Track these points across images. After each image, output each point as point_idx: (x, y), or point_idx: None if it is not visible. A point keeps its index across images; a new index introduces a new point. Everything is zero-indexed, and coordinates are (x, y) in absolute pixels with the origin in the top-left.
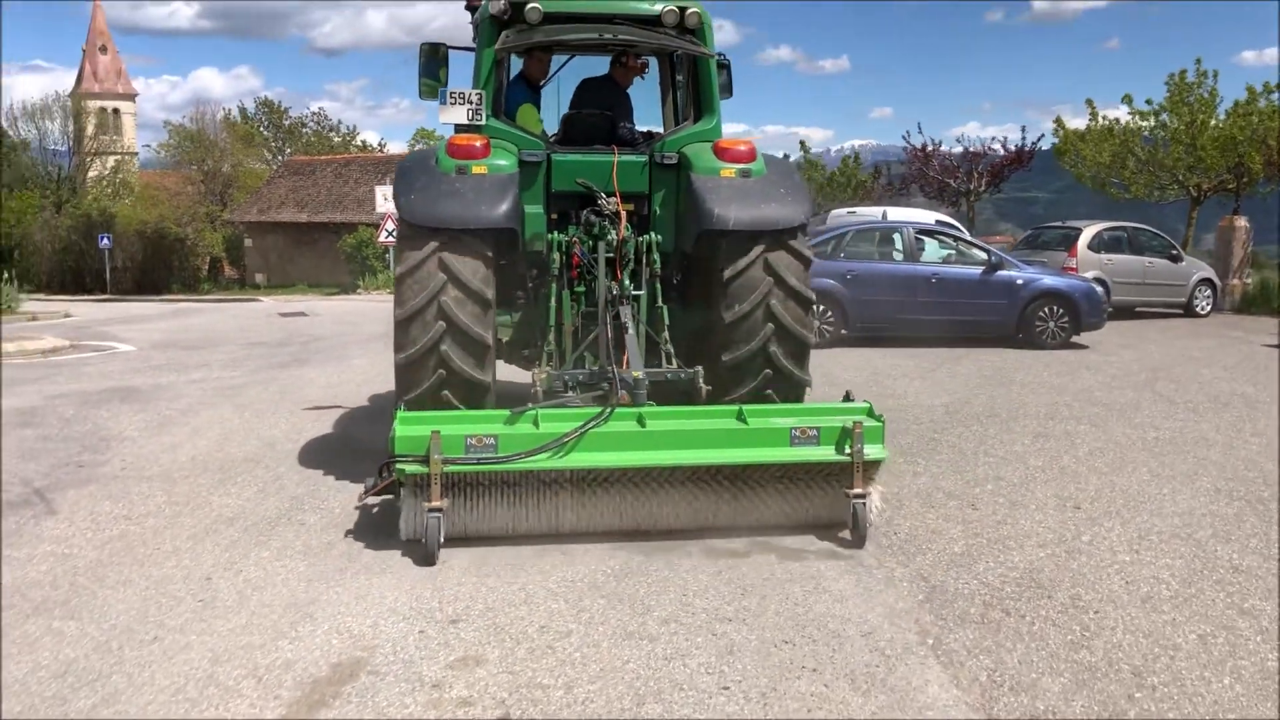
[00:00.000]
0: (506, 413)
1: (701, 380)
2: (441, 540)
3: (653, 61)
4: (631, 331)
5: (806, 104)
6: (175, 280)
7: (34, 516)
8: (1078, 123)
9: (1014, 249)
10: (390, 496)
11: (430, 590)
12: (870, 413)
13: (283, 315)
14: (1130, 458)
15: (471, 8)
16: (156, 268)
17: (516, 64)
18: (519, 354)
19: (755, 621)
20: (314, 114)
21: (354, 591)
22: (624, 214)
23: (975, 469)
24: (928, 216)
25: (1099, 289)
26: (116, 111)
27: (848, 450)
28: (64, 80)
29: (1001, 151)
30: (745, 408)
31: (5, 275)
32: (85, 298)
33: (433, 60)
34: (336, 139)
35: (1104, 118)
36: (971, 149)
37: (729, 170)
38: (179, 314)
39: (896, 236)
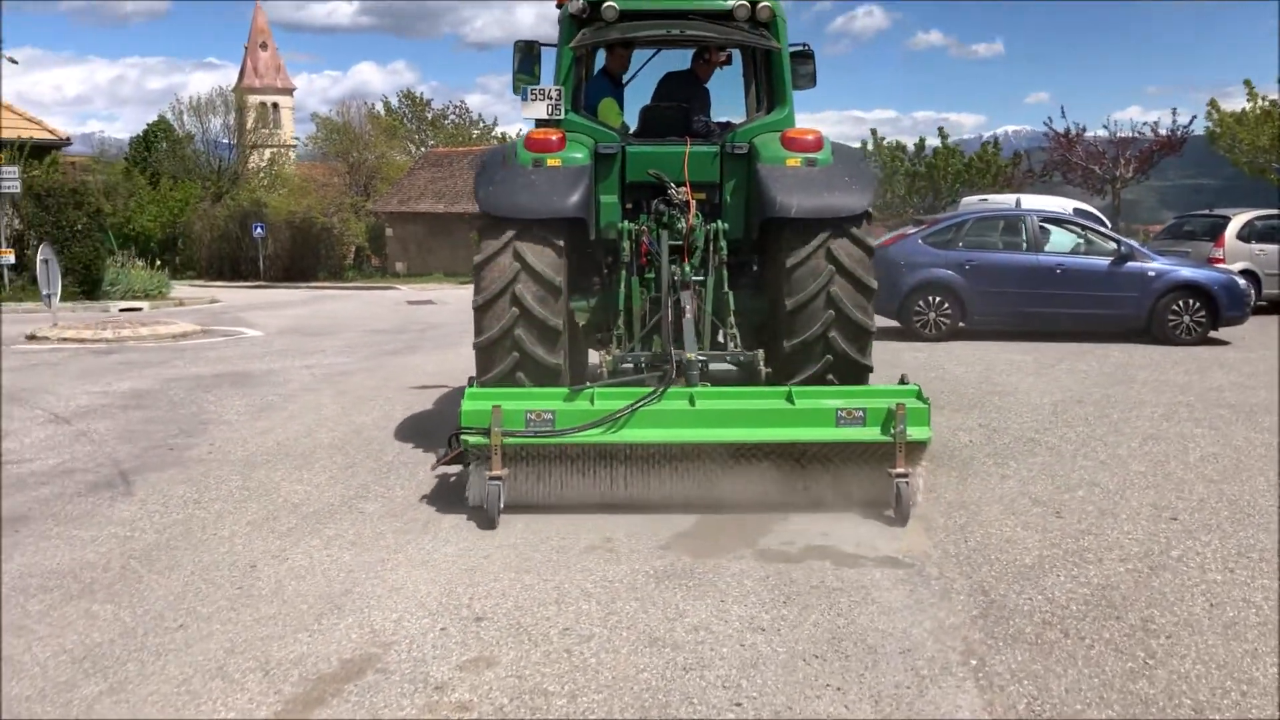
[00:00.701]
0: (566, 390)
1: (762, 363)
2: (502, 506)
3: (738, 55)
4: (689, 315)
5: (958, 89)
6: (322, 268)
7: (111, 498)
8: (1237, 105)
9: (1155, 239)
10: (460, 467)
11: (465, 586)
12: (919, 395)
13: (410, 303)
14: (1246, 465)
15: (560, 5)
16: (305, 256)
17: (601, 61)
18: (594, 337)
19: (790, 633)
20: (455, 106)
21: (390, 584)
22: (693, 203)
23: (1070, 473)
24: (1065, 205)
25: (1243, 282)
26: (275, 106)
27: (892, 432)
28: (231, 76)
29: (1151, 136)
30: (795, 389)
31: (158, 262)
32: (240, 284)
33: (528, 57)
34: (476, 131)
35: (1264, 99)
36: (1120, 134)
37: (794, 160)
38: (316, 300)
39: (1020, 225)
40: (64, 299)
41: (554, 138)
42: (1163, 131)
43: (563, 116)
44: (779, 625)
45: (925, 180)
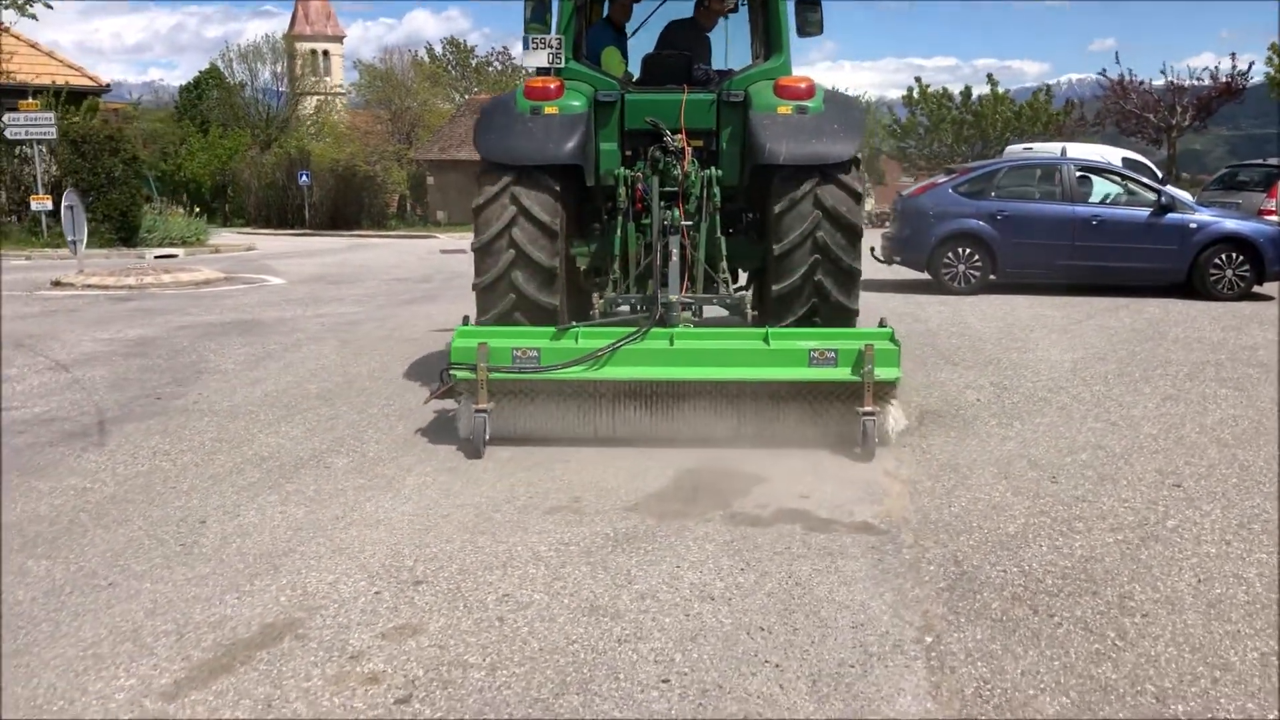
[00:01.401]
0: (553, 330)
1: (749, 306)
2: (487, 438)
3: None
4: (675, 260)
5: (1020, 36)
6: (365, 217)
7: (82, 449)
8: None
9: (1205, 189)
10: (450, 402)
11: (414, 547)
12: (891, 338)
13: (444, 252)
14: (1267, 429)
15: None
16: (349, 204)
17: (606, 10)
18: (594, 281)
19: (740, 603)
20: (499, 53)
21: (336, 544)
22: (688, 150)
23: (1076, 435)
24: (1114, 154)
25: None
26: (326, 53)
27: (861, 372)
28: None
29: (1209, 83)
30: (772, 330)
31: (196, 210)
32: (285, 232)
33: (540, 6)
34: (520, 80)
35: None
36: (1177, 81)
37: (786, 107)
38: (352, 249)
39: (1056, 174)
40: (101, 245)
41: (552, 86)
42: (1222, 78)
43: (563, 65)
44: (730, 594)
45: (974, 129)
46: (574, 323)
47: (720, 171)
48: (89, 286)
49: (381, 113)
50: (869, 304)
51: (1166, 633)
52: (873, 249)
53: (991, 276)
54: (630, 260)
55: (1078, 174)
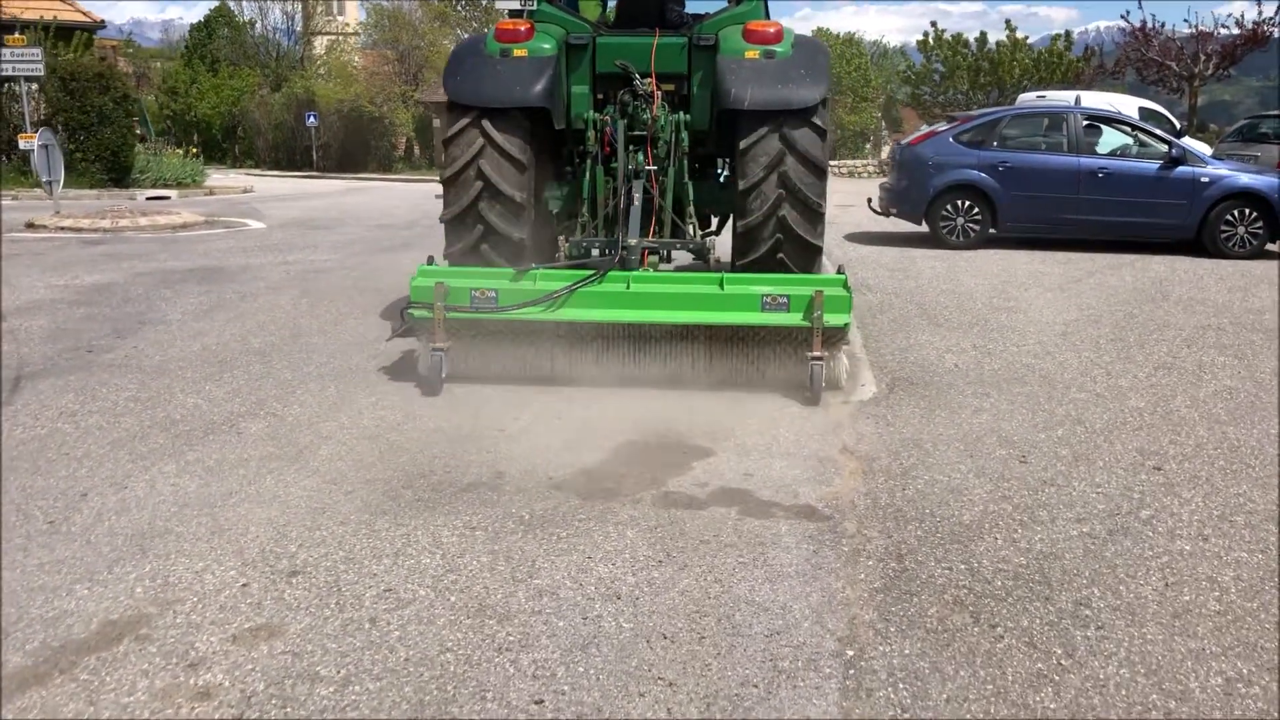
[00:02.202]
0: (512, 271)
1: (713, 250)
2: (444, 375)
3: None
4: (637, 204)
5: None
6: (372, 159)
7: None
8: None
9: (1223, 141)
10: (410, 339)
11: (304, 529)
12: (844, 285)
13: (438, 197)
14: (1263, 404)
15: None
16: (357, 147)
17: None
18: (565, 225)
19: (649, 602)
20: None
21: (218, 524)
22: (657, 94)
23: (1056, 408)
24: (1129, 104)
25: None
26: None
27: (811, 317)
28: None
29: (1236, 30)
30: (727, 276)
31: (193, 151)
32: (292, 174)
33: None
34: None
35: None
36: (1200, 27)
37: (753, 52)
38: (349, 192)
39: (1063, 123)
40: (91, 186)
41: (522, 28)
42: (1249, 24)
43: (535, 7)
44: (639, 592)
45: (990, 76)
46: (534, 265)
47: (689, 116)
48: (62, 229)
49: (389, 53)
50: (861, 256)
51: (1121, 650)
52: (870, 200)
53: (992, 230)
54: (599, 204)
55: (1085, 124)
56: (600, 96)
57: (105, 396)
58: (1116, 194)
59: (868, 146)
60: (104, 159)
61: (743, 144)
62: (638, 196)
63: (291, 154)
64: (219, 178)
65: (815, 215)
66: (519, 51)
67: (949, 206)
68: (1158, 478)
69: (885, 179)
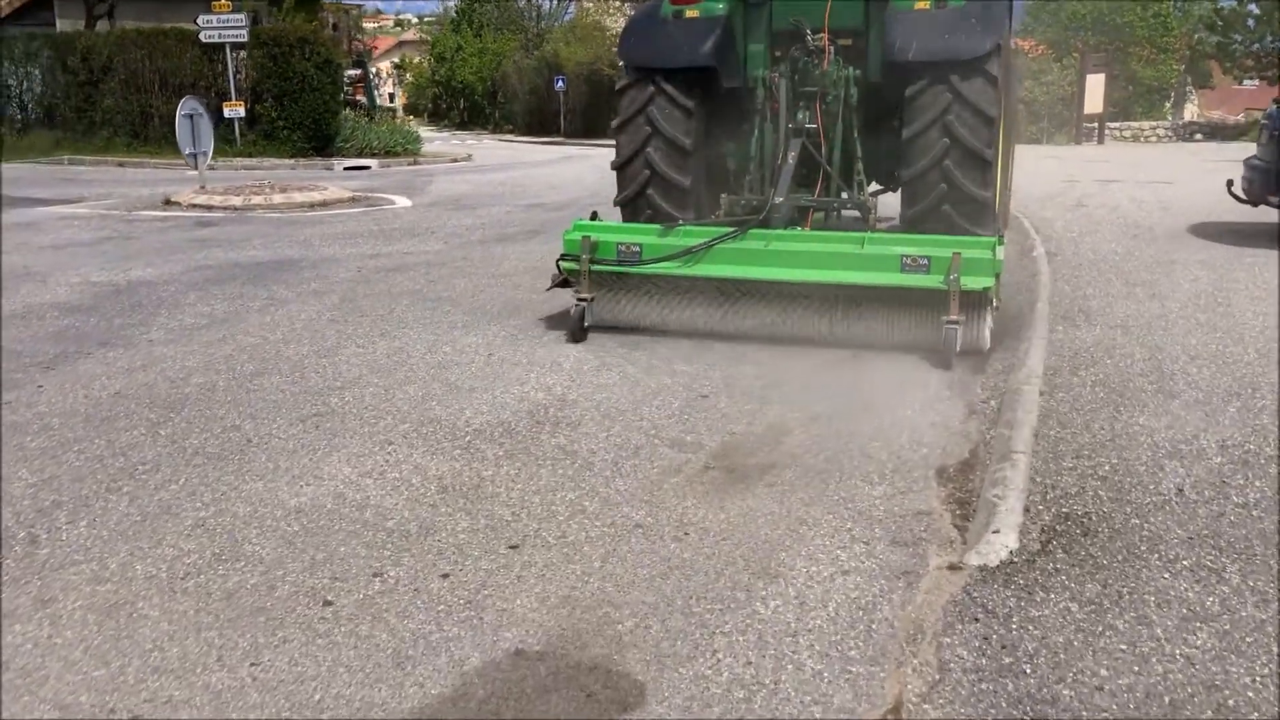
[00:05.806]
0: (659, 227)
1: (874, 209)
2: (587, 324)
3: None
4: (790, 163)
5: None
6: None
7: None
8: None
9: None
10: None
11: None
12: (992, 247)
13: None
14: None
15: None
16: (601, 112)
17: None
18: (743, 181)
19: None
20: None
21: None
22: (829, 50)
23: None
24: None
25: None
26: None
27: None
28: None
29: None
30: (870, 235)
31: (410, 119)
32: (543, 139)
33: None
34: None
35: None
36: None
37: (924, 2)
38: (562, 161)
39: None
40: (292, 155)
41: None
42: None
43: None
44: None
45: None
46: (681, 221)
47: (859, 71)
48: (194, 206)
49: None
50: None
51: None
52: (1230, 183)
53: None
54: (765, 162)
55: None
56: (778, 54)
57: None
58: None
59: (1167, 105)
60: (305, 126)
61: (908, 93)
62: (793, 155)
63: (543, 118)
64: (454, 144)
65: (982, 165)
66: (691, 13)
67: None
68: None
69: (1255, 155)
